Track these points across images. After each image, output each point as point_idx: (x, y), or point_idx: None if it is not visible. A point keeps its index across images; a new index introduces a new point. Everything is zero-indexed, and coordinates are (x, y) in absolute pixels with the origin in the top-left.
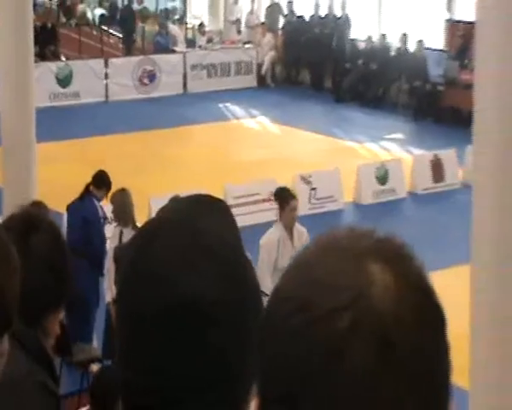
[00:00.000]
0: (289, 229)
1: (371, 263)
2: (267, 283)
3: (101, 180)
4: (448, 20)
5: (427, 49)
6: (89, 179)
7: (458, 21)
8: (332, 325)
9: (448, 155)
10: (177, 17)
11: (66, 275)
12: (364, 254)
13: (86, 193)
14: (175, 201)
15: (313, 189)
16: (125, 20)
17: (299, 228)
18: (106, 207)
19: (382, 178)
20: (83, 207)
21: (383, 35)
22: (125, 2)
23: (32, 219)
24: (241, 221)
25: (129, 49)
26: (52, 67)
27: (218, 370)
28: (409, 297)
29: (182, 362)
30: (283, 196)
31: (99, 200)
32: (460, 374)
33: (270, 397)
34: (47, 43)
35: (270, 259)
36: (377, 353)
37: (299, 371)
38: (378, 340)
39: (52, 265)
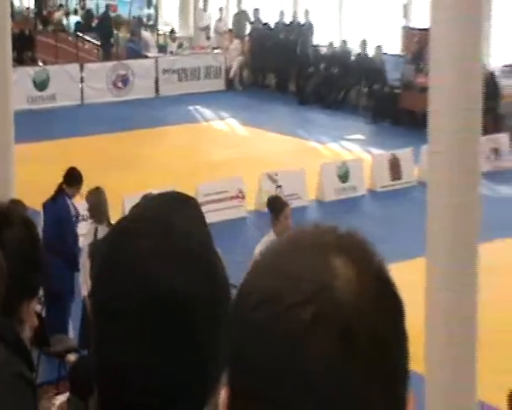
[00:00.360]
0: None
1: (334, 257)
2: None
3: (72, 177)
4: (404, 27)
5: (385, 54)
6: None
7: (414, 28)
8: (295, 318)
9: (405, 154)
10: (149, 24)
11: (39, 267)
12: (328, 248)
13: (59, 192)
14: (147, 198)
15: (279, 186)
16: (103, 26)
17: None
18: (80, 203)
19: (343, 177)
20: (56, 206)
21: (344, 41)
22: (101, 10)
23: (6, 214)
24: (210, 218)
25: (108, 54)
26: (30, 71)
27: (190, 363)
28: (370, 289)
29: (154, 356)
30: (277, 206)
31: (71, 197)
32: (415, 360)
33: (237, 389)
34: (25, 48)
35: None
36: (340, 343)
37: (265, 363)
38: (340, 331)
39: (25, 257)
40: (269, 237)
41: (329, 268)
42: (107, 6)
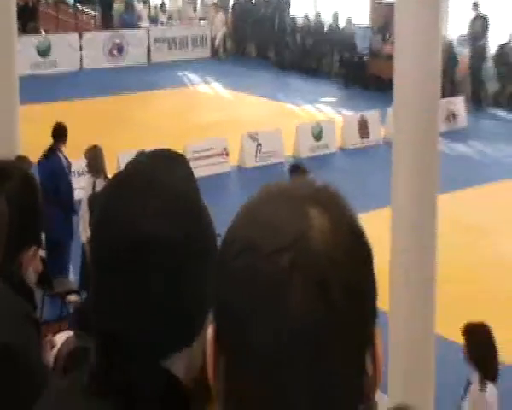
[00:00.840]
0: None
1: (310, 209)
2: None
3: (58, 132)
4: (372, 1)
5: (355, 25)
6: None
7: (380, 2)
8: (274, 264)
9: (372, 115)
10: None
11: (39, 216)
12: (305, 200)
13: (51, 149)
14: (141, 155)
15: (259, 144)
16: None
17: None
18: (78, 159)
19: (317, 136)
20: (50, 162)
21: (318, 13)
22: None
23: (6, 169)
24: (198, 173)
25: (107, 23)
26: (33, 40)
27: (180, 310)
28: (343, 240)
29: (146, 304)
30: (299, 173)
31: (61, 150)
32: (380, 300)
33: (222, 332)
34: (28, 19)
35: None
36: (314, 290)
37: (247, 309)
38: (315, 279)
39: (25, 206)
40: None
41: (306, 219)
42: None
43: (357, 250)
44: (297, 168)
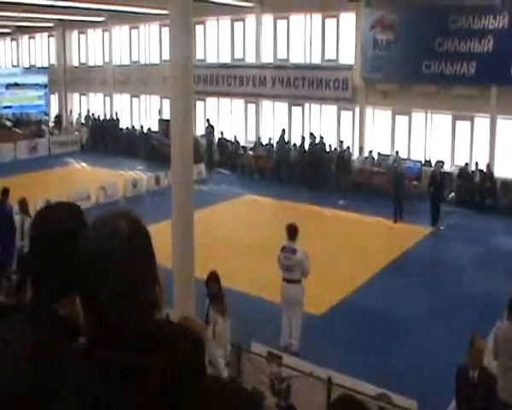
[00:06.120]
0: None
1: (120, 221)
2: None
3: (4, 192)
4: (159, 119)
5: (153, 131)
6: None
7: (164, 119)
8: (106, 244)
9: (162, 174)
10: (45, 121)
11: None
12: (118, 217)
13: (2, 201)
14: (48, 203)
15: (106, 191)
16: (40, 128)
17: None
18: (14, 206)
19: (135, 185)
20: (1, 209)
21: (133, 125)
22: (23, 117)
23: None
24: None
25: (28, 136)
26: None
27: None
28: (133, 232)
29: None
30: (296, 229)
31: (7, 201)
32: (165, 259)
33: (81, 292)
34: None
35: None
36: (124, 249)
37: (91, 266)
38: (128, 247)
39: None
40: (300, 247)
41: (118, 225)
42: (40, 120)
43: (139, 237)
44: (292, 227)
